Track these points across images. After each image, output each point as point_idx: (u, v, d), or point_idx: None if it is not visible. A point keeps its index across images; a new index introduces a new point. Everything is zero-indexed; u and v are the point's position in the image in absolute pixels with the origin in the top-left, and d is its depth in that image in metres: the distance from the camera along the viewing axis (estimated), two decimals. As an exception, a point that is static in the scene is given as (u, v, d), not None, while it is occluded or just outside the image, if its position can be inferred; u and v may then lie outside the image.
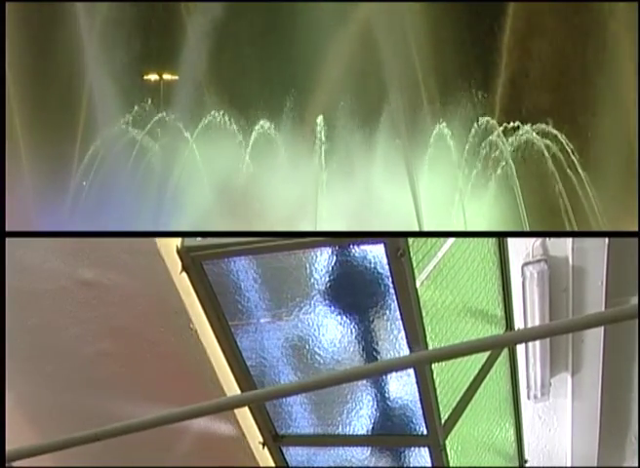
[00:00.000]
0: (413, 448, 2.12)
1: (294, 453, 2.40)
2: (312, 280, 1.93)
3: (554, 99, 2.78)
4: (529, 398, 2.84)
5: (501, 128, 2.72)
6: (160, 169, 2.70)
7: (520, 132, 2.71)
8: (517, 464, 2.57)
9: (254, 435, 2.35)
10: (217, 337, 2.20)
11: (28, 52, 2.63)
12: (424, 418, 1.99)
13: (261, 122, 2.71)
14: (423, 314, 1.88)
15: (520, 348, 2.68)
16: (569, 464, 3.06)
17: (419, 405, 1.99)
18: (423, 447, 2.08)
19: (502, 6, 2.85)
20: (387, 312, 1.86)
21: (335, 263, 1.86)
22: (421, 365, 1.77)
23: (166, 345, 2.35)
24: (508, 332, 2.14)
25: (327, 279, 1.90)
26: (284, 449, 2.39)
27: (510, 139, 2.71)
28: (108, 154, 2.72)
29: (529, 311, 2.66)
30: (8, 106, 2.56)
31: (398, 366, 1.22)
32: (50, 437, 1.08)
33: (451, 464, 2.09)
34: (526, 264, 2.62)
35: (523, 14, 2.85)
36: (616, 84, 2.76)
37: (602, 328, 2.59)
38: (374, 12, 2.64)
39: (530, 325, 2.65)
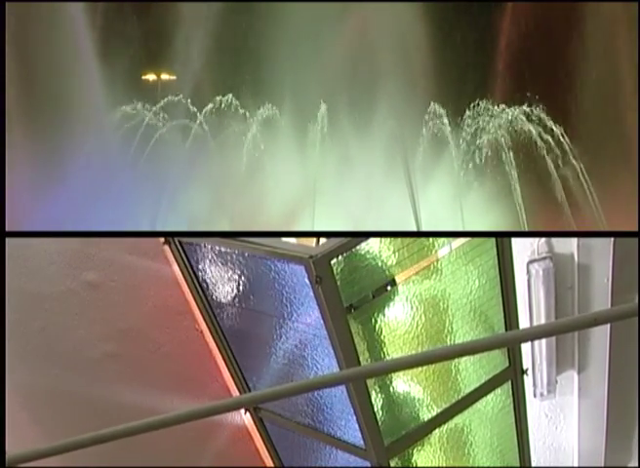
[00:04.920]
0: (360, 459, 2.12)
1: (273, 428, 2.43)
2: (254, 283, 1.97)
3: (552, 87, 2.77)
4: (535, 396, 2.83)
5: (499, 114, 2.70)
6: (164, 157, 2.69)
7: (515, 117, 2.69)
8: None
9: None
10: (201, 313, 2.27)
11: (25, 49, 2.63)
12: (362, 434, 1.99)
13: (264, 108, 2.69)
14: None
15: (525, 346, 2.67)
16: (575, 462, 3.05)
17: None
18: (366, 459, 2.07)
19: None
20: (318, 331, 1.87)
21: (271, 272, 1.88)
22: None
23: (172, 346, 2.36)
24: (511, 332, 2.12)
25: (265, 286, 1.94)
26: (265, 421, 2.42)
27: (506, 127, 2.70)
28: (112, 138, 2.72)
29: (534, 309, 2.65)
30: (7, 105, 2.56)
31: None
32: (55, 439, 1.09)
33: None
34: (531, 262, 2.61)
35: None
36: (614, 82, 2.75)
37: (608, 325, 2.58)
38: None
39: (535, 323, 2.65)
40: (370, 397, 1.94)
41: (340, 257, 1.74)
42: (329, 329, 1.80)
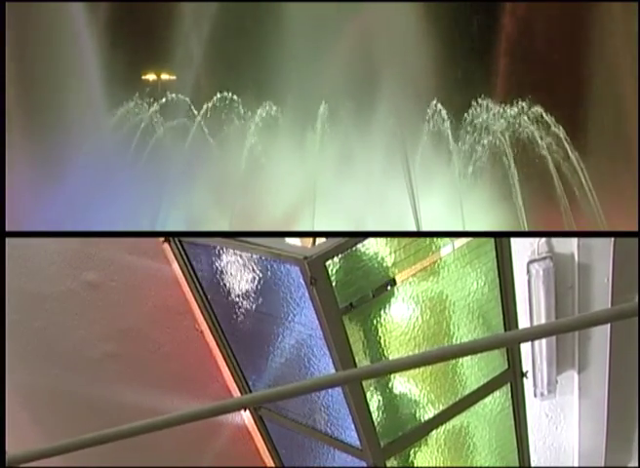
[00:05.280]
0: (357, 459, 2.11)
1: (273, 426, 2.43)
2: (253, 283, 1.96)
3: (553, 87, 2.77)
4: (535, 396, 2.83)
5: (499, 112, 2.70)
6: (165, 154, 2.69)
7: (516, 117, 2.69)
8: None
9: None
10: (201, 313, 2.27)
11: (25, 49, 2.64)
12: (358, 434, 1.98)
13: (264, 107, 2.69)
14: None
15: (526, 346, 2.67)
16: (576, 462, 3.05)
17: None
18: (362, 459, 2.07)
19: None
20: (314, 332, 1.87)
21: (268, 272, 1.88)
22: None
23: (172, 346, 2.36)
24: (510, 332, 2.12)
25: (263, 286, 1.94)
26: (265, 420, 2.42)
27: (505, 125, 2.70)
28: (112, 139, 2.72)
29: (534, 309, 2.65)
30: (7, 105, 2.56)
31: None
32: (55, 439, 1.09)
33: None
34: (531, 262, 2.61)
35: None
36: (614, 82, 2.75)
37: (608, 325, 2.58)
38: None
39: (535, 323, 2.65)
40: (365, 397, 1.93)
41: (335, 258, 1.74)
42: (324, 329, 1.80)
